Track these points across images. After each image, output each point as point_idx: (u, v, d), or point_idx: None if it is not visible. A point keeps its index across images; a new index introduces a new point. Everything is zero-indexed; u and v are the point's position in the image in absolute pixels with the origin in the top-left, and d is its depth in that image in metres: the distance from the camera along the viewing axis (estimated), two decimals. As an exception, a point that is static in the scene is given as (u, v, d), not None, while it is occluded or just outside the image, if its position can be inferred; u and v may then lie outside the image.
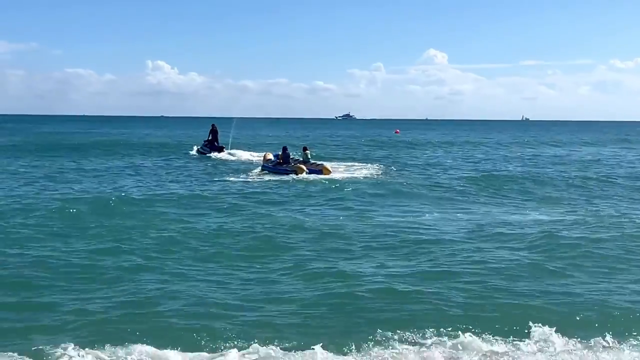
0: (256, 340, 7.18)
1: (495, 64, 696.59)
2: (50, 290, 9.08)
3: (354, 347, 7.17)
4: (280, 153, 26.89)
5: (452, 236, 13.19)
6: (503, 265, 10.63)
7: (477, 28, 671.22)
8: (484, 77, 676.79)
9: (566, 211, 16.93)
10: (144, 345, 6.98)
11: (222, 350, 7.02)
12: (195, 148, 41.26)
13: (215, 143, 38.77)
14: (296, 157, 27.27)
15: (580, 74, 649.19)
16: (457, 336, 7.42)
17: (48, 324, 7.80)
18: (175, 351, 6.92)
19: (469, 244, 12.39)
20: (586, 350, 7.16)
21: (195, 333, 7.44)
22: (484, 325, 7.77)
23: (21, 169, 27.18)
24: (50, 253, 11.21)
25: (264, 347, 7.04)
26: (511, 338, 7.46)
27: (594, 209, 17.51)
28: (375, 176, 25.47)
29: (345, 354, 7.07)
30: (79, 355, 6.71)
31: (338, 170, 27.12)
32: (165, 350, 6.90)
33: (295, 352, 7.00)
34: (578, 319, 8.13)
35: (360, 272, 10.23)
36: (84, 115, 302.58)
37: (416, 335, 7.50)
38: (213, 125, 40.29)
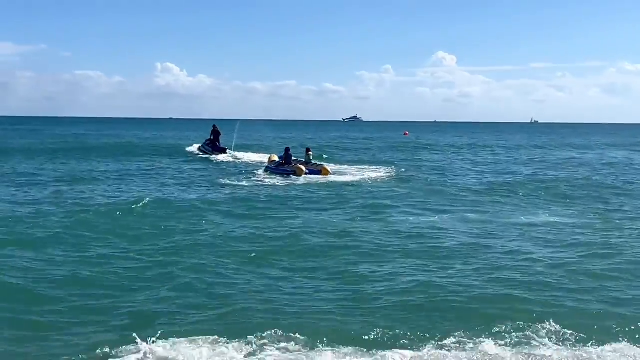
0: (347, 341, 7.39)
1: (504, 66, 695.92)
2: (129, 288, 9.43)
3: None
4: (284, 154, 27.82)
5: (502, 241, 13.13)
6: (550, 270, 10.62)
7: (486, 30, 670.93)
8: (493, 79, 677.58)
9: (618, 218, 16.40)
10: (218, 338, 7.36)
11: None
12: (195, 146, 41.37)
13: (217, 144, 38.99)
14: (300, 158, 28.08)
15: (589, 77, 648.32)
16: (479, 342, 7.40)
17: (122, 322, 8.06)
18: (238, 343, 7.27)
19: (511, 247, 12.40)
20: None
21: (261, 331, 7.63)
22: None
23: (53, 171, 27.43)
24: (114, 252, 11.65)
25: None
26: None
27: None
28: (401, 178, 25.82)
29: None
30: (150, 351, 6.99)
31: (351, 173, 27.38)
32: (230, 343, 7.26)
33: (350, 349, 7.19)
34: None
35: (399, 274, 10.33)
36: (92, 117, 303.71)
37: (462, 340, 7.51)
38: (214, 125, 40.74)
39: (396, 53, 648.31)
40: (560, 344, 7.42)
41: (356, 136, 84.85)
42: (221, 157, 36.67)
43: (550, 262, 11.21)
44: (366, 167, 31.36)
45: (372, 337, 7.55)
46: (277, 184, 23.23)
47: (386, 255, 11.67)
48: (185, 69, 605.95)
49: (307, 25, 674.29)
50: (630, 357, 7.08)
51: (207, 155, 38.37)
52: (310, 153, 28.52)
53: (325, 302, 8.90)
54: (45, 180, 23.68)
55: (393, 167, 31.26)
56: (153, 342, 7.10)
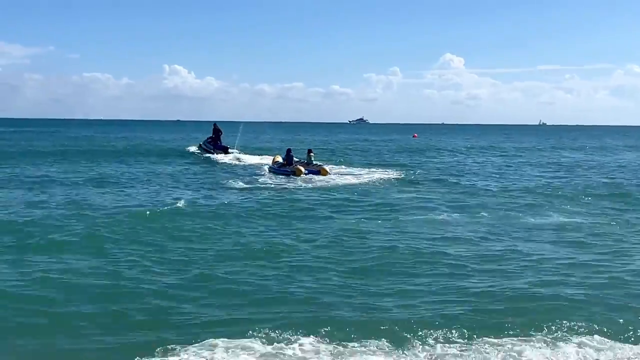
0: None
1: (512, 69, 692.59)
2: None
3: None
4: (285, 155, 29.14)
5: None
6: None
7: (493, 32, 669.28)
8: (500, 81, 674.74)
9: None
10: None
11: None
12: (195, 147, 41.60)
13: (219, 142, 39.33)
14: (302, 159, 29.04)
15: (597, 79, 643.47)
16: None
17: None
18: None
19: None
20: None
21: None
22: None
23: (58, 175, 27.12)
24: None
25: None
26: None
27: None
28: (415, 180, 25.73)
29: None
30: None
31: (361, 177, 27.11)
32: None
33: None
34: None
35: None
36: (101, 120, 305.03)
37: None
38: (215, 124, 41.46)
39: (404, 55, 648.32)
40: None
41: (366, 138, 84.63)
42: (224, 157, 36.81)
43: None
44: (388, 170, 30.84)
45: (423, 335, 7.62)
46: (297, 186, 23.21)
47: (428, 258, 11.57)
48: (193, 71, 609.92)
49: (314, 28, 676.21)
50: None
51: (208, 155, 38.60)
52: (312, 154, 29.47)
53: (378, 309, 8.72)
54: (54, 186, 23.35)
55: (410, 170, 31.46)
56: (197, 347, 7.11)
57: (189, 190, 21.90)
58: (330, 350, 7.17)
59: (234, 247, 12.49)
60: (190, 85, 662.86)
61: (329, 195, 20.48)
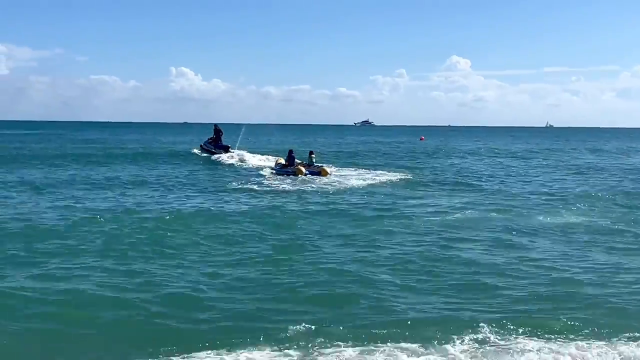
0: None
1: (518, 71, 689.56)
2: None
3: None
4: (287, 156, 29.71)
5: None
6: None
7: (500, 34, 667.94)
8: (507, 83, 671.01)
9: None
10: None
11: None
12: (197, 149, 42.38)
13: (220, 142, 40.41)
14: (304, 161, 29.43)
15: (604, 81, 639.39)
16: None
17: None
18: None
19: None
20: None
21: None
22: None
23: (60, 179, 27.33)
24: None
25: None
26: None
27: None
28: (424, 182, 25.50)
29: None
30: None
31: (371, 179, 27.17)
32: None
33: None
34: None
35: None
36: (108, 122, 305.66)
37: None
38: (216, 125, 42.65)
39: (410, 57, 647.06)
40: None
41: (373, 140, 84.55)
42: (226, 157, 37.41)
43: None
44: (406, 173, 30.71)
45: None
46: (307, 189, 23.10)
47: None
48: (200, 73, 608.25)
49: (321, 30, 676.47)
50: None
51: (208, 154, 39.49)
52: (313, 155, 30.07)
53: (397, 310, 8.72)
54: (53, 190, 23.48)
55: (422, 172, 31.55)
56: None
57: (194, 193, 21.98)
58: (357, 352, 7.21)
59: (242, 250, 12.47)
60: (197, 88, 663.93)
61: (336, 197, 20.53)
